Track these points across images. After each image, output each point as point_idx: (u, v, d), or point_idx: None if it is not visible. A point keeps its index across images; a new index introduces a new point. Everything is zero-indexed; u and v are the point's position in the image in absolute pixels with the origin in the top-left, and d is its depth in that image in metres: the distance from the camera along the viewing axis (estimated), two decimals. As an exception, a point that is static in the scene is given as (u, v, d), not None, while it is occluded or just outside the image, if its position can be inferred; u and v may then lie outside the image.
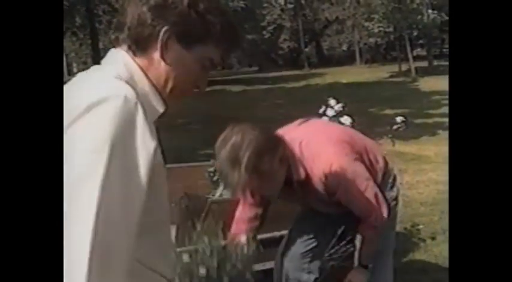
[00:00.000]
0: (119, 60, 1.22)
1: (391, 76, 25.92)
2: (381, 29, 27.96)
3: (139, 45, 1.21)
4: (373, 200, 2.21)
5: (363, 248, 2.33)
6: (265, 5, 33.61)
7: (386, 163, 2.44)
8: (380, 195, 2.25)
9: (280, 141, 2.17)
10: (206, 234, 2.83)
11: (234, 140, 2.04)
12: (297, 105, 14.45)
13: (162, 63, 1.21)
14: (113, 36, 1.26)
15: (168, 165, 3.58)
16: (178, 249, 3.05)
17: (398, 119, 4.00)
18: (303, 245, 2.54)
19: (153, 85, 1.21)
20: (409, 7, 24.87)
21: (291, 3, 35.68)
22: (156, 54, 1.20)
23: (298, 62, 35.92)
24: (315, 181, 2.20)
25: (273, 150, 2.10)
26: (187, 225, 3.02)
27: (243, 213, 2.54)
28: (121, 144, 1.05)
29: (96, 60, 14.11)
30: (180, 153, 8.20)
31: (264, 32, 33.73)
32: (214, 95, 20.23)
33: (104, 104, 1.07)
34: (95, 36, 21.93)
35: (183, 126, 12.31)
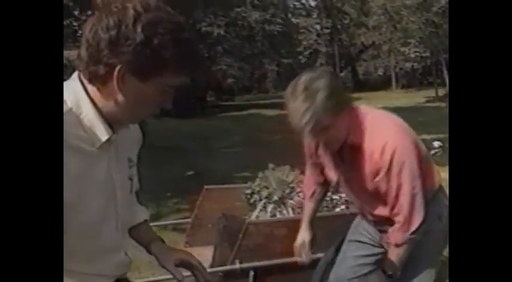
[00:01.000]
0: (71, 88, 1.30)
1: (428, 101, 25.64)
2: (418, 53, 27.77)
3: (97, 80, 1.27)
4: (409, 200, 2.11)
5: (387, 256, 2.26)
6: (302, 30, 33.88)
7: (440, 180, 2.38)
8: (419, 200, 2.13)
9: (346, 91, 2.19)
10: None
11: (307, 76, 2.06)
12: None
13: (120, 95, 1.27)
14: (75, 64, 1.32)
15: (206, 187, 3.67)
16: (213, 269, 3.11)
17: (436, 143, 3.99)
18: (350, 271, 2.50)
19: (101, 113, 1.30)
20: (446, 32, 24.70)
21: (327, 28, 35.86)
22: (111, 85, 1.26)
23: (334, 86, 35.85)
24: (365, 153, 2.14)
25: (343, 94, 2.10)
26: (224, 245, 3.09)
27: (310, 172, 2.55)
28: None
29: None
30: (217, 175, 8.28)
31: (300, 57, 33.90)
32: (250, 119, 20.37)
33: None
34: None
35: (219, 149, 12.42)
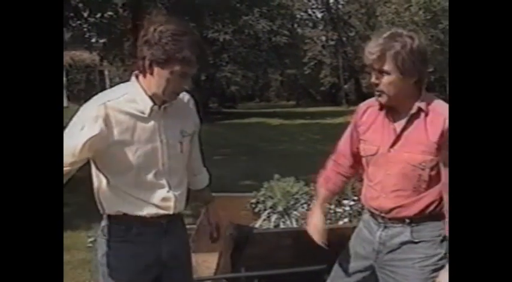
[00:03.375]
0: (130, 82, 2.12)
1: (430, 117, 25.65)
2: (422, 69, 27.82)
3: (141, 72, 2.06)
4: None
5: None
6: (307, 41, 33.97)
7: None
8: None
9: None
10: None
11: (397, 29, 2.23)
12: (334, 141, 14.43)
13: (153, 79, 2.05)
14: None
15: (213, 194, 3.73)
16: (217, 276, 3.16)
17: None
18: None
19: (146, 93, 2.07)
20: (452, 49, 24.78)
21: (332, 40, 35.98)
22: (150, 77, 2.05)
23: (337, 98, 35.96)
24: (427, 124, 2.18)
25: (425, 60, 2.19)
26: (229, 253, 3.14)
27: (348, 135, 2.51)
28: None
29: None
30: (218, 182, 8.31)
31: (305, 68, 34.00)
32: (252, 127, 20.42)
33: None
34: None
35: (221, 157, 12.46)
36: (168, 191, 2.17)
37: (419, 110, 2.20)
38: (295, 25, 32.92)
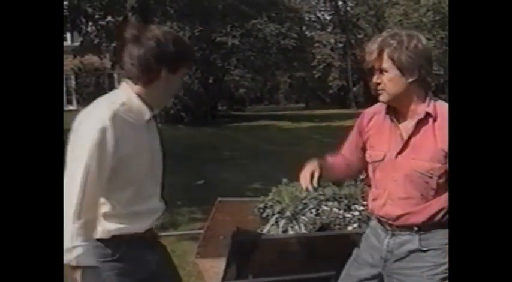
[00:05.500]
0: (122, 91, 2.03)
1: (440, 119, 25.53)
2: (431, 71, 27.65)
3: (146, 82, 1.99)
4: None
5: None
6: (316, 43, 33.94)
7: None
8: None
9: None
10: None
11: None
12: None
13: (157, 86, 2.00)
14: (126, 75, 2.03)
15: (220, 199, 3.69)
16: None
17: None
18: None
19: (144, 101, 2.01)
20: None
21: (341, 42, 35.94)
22: (156, 83, 2.00)
23: (345, 100, 35.89)
24: (435, 129, 2.13)
25: (427, 59, 2.18)
26: (237, 259, 3.10)
27: (351, 138, 2.51)
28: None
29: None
30: (227, 186, 8.29)
31: (314, 71, 33.96)
32: (261, 130, 20.39)
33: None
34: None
35: (229, 159, 12.44)
36: (160, 200, 2.14)
37: (427, 114, 2.16)
38: (304, 28, 32.91)
